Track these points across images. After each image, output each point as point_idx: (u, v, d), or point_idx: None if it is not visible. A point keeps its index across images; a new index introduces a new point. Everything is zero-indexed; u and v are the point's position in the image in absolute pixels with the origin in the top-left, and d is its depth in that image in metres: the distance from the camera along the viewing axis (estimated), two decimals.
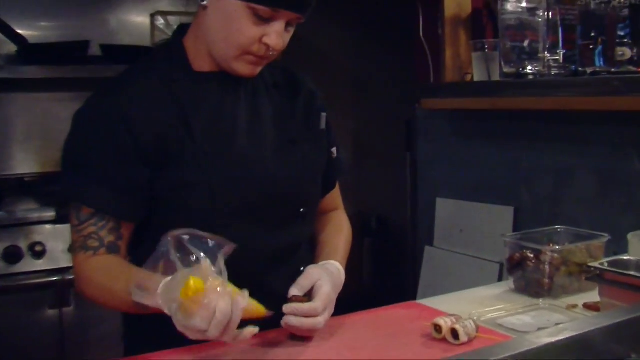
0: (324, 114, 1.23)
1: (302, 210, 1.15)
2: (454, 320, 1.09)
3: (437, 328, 1.08)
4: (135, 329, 1.18)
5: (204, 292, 0.87)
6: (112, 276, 1.05)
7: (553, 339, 0.70)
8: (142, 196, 1.07)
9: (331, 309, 1.07)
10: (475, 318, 1.13)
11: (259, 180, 1.11)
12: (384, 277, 3.25)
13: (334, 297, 1.08)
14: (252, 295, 0.96)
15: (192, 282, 0.88)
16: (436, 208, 2.49)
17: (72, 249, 1.09)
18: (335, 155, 1.27)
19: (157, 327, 1.11)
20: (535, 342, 0.70)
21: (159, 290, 0.92)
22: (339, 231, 1.27)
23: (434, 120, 2.49)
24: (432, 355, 1.02)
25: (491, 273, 2.19)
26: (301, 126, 1.19)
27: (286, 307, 1.03)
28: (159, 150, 1.06)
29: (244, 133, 1.12)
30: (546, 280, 1.32)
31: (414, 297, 2.43)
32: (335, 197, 1.32)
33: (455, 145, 2.41)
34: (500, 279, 2.12)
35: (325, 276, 1.07)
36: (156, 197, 1.08)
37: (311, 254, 1.23)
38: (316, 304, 1.03)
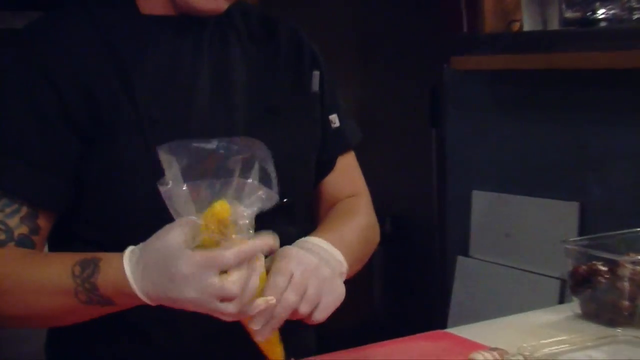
0: (316, 73, 1.24)
1: (284, 200, 1.14)
2: (498, 356, 1.09)
3: None
4: (63, 353, 1.18)
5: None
6: (31, 263, 1.04)
7: None
8: (69, 176, 1.08)
9: (318, 279, 1.02)
10: (527, 353, 1.13)
11: None
12: (401, 297, 3.25)
13: (317, 263, 1.03)
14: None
15: (219, 206, 0.91)
16: (472, 204, 2.48)
17: None
18: (336, 124, 1.28)
19: (94, 351, 1.13)
20: None
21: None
22: (345, 214, 1.25)
23: (469, 85, 2.47)
24: None
25: (548, 292, 2.19)
26: (285, 90, 1.20)
27: None
28: (90, 118, 1.07)
29: (206, 97, 1.13)
30: (625, 303, 1.30)
31: (443, 324, 2.43)
32: (345, 179, 1.31)
33: (498, 119, 2.40)
34: (561, 301, 2.14)
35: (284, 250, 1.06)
36: (84, 181, 1.09)
37: None
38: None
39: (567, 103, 2.19)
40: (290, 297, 0.98)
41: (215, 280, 0.90)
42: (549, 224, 2.23)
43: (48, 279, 1.01)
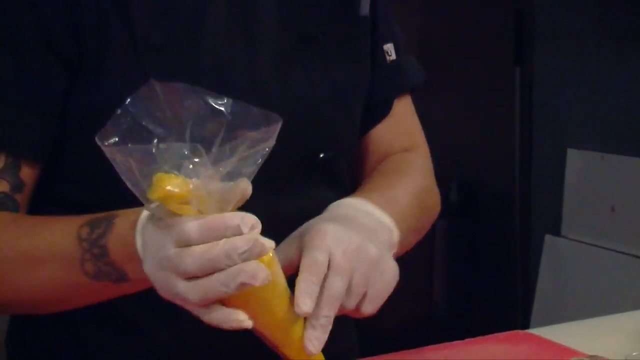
0: None
1: (321, 156, 1.19)
2: None
3: None
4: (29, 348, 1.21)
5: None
6: (24, 229, 1.06)
7: None
8: (54, 117, 1.10)
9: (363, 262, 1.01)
10: None
11: (246, 102, 1.12)
12: (470, 288, 3.26)
13: (360, 240, 1.03)
14: None
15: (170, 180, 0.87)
16: (567, 167, 2.49)
17: None
18: (392, 56, 1.29)
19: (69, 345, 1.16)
20: None
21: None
22: (395, 172, 1.27)
23: (567, 6, 2.44)
24: None
25: None
26: (325, 12, 1.22)
27: None
28: (74, 42, 1.09)
29: (222, 18, 1.14)
30: None
31: (524, 323, 2.48)
32: (399, 129, 1.34)
33: (606, 54, 2.38)
34: None
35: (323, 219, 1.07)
36: (66, 125, 1.11)
37: None
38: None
39: None
40: (336, 282, 0.97)
41: (172, 251, 0.87)
42: None
43: (45, 248, 1.02)
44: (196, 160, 0.87)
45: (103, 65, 1.09)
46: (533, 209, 2.63)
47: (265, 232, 0.97)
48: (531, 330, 1.32)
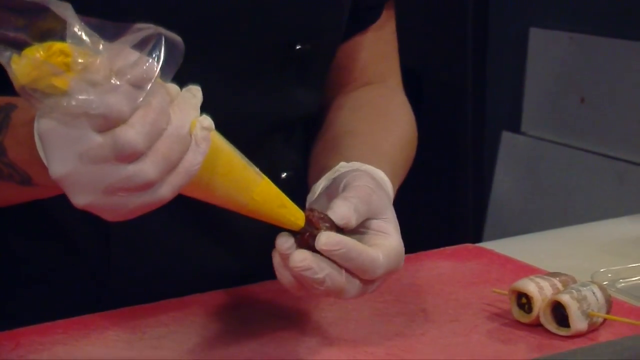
0: None
1: (297, 47, 1.23)
2: (559, 284, 1.10)
3: (524, 300, 1.10)
4: None
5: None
6: None
7: None
8: None
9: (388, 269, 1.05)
10: (605, 283, 1.14)
11: None
12: (414, 194, 3.26)
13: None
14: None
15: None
16: (528, 50, 2.50)
17: None
18: None
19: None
20: None
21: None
22: (384, 120, 1.31)
23: None
24: None
25: None
26: None
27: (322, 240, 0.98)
28: None
29: None
30: None
31: (477, 236, 2.54)
32: (381, 47, 1.39)
33: None
34: None
35: (388, 202, 1.10)
36: None
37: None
38: (375, 253, 1.02)
39: None
40: (355, 290, 1.00)
41: (96, 137, 0.80)
42: None
43: None
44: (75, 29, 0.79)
45: None
46: (488, 100, 2.65)
47: (231, 130, 0.97)
48: (483, 244, 1.34)
